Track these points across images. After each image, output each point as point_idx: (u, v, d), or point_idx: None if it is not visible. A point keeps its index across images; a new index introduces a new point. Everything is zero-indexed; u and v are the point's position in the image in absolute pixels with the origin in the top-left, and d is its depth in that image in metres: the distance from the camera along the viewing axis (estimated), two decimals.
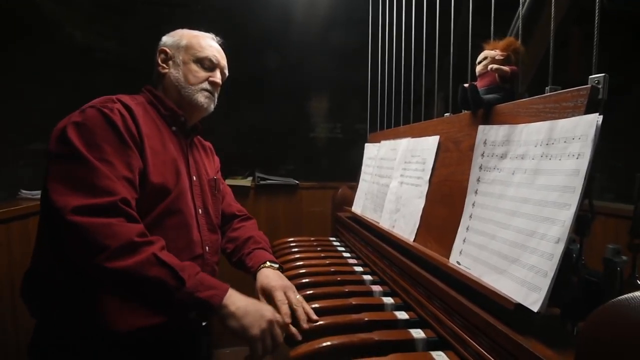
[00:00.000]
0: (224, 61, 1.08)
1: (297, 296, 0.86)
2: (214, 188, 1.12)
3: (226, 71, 1.09)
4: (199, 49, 1.03)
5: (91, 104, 0.85)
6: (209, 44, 1.05)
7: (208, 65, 1.03)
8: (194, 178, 1.04)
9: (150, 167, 0.87)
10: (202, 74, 1.02)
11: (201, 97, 1.02)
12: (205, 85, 1.03)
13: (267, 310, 0.78)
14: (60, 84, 1.90)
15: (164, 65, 1.02)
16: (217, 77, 1.05)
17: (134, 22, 2.10)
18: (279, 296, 0.85)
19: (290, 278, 1.04)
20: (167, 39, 1.05)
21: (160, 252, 0.75)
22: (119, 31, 2.09)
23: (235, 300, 0.77)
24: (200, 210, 1.03)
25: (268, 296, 0.88)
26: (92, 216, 0.72)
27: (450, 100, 1.06)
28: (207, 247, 1.02)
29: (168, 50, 1.03)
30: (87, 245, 0.71)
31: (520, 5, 0.85)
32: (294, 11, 2.22)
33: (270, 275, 0.94)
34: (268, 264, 1.00)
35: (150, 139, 0.89)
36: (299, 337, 0.75)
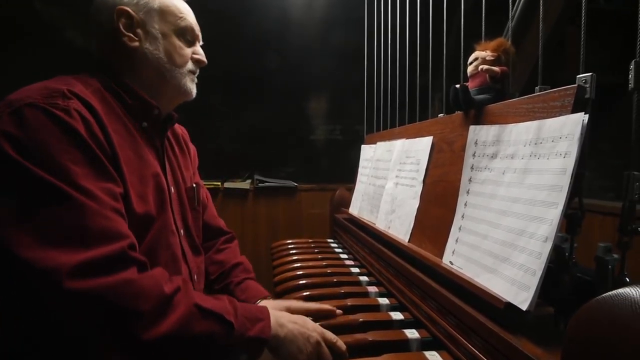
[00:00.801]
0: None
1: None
2: (193, 199, 0.90)
3: None
4: (178, 14, 0.78)
5: (26, 98, 0.58)
6: (185, 7, 0.81)
7: (190, 37, 0.81)
8: (172, 190, 0.82)
9: (131, 192, 0.66)
10: (187, 50, 0.80)
11: (189, 83, 0.81)
12: (191, 66, 0.81)
13: (312, 331, 0.69)
14: None
15: (131, 35, 0.73)
16: (201, 52, 0.83)
17: None
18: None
19: (287, 280, 1.05)
20: None
21: (197, 299, 0.61)
22: None
23: (280, 322, 0.67)
24: (182, 231, 0.83)
25: None
26: (101, 275, 0.53)
27: (444, 100, 1.07)
28: (195, 276, 0.85)
29: (132, 13, 0.73)
30: (108, 317, 0.53)
31: (510, 6, 0.85)
32: (293, 12, 2.24)
33: (275, 304, 0.80)
34: (266, 300, 0.87)
35: (123, 148, 0.67)
36: (347, 355, 0.69)
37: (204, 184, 1.07)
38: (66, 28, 2.01)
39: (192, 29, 0.81)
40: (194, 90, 0.83)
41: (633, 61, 0.52)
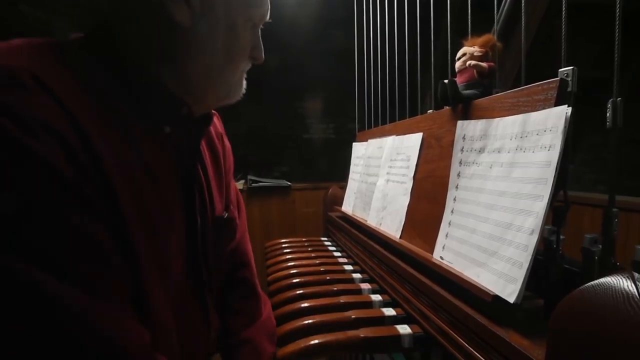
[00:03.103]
0: None
1: None
2: (221, 233, 0.66)
3: None
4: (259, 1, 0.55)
5: None
6: None
7: (256, 23, 0.57)
8: (199, 221, 0.59)
9: (134, 230, 0.44)
10: (249, 42, 0.57)
11: (240, 88, 0.60)
12: (247, 65, 0.60)
13: None
14: None
15: (183, 5, 0.48)
16: (261, 47, 0.60)
17: None
18: None
19: (281, 279, 1.05)
20: None
21: None
22: None
23: None
24: (206, 281, 0.61)
25: None
26: None
27: (433, 96, 1.07)
28: (212, 332, 0.65)
29: None
30: None
31: (496, 3, 0.85)
32: (287, 12, 2.23)
33: None
34: None
35: (126, 180, 0.44)
36: None
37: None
38: (53, 31, 1.99)
39: (263, 16, 0.57)
40: (242, 92, 0.61)
41: (610, 101, 0.52)
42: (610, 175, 0.55)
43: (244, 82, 0.61)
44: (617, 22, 0.54)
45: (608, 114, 0.53)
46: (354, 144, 1.58)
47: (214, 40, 0.51)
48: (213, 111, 0.67)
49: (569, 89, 0.54)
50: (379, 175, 1.16)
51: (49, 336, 0.35)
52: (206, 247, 0.62)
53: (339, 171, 1.89)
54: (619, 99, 0.52)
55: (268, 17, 0.59)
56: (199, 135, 0.60)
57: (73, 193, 0.38)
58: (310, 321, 0.78)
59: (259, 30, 0.59)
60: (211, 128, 0.70)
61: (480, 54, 0.83)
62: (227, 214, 0.68)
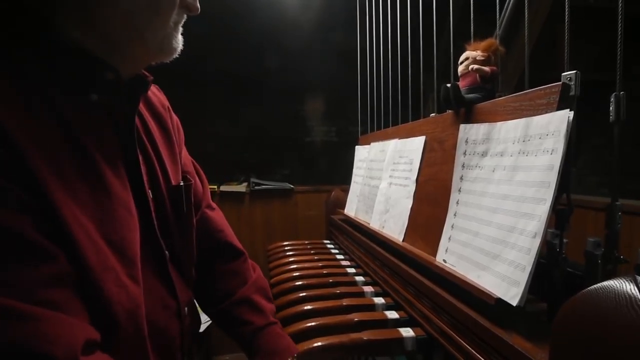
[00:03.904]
0: None
1: None
2: (180, 203, 0.62)
3: None
4: None
5: None
6: None
7: None
8: (150, 194, 0.56)
9: (66, 214, 0.41)
10: None
11: (172, 38, 0.53)
12: (181, 16, 0.54)
13: None
14: None
15: None
16: None
17: None
18: None
19: (283, 281, 1.05)
20: None
21: None
22: None
23: None
24: (167, 255, 0.58)
25: None
26: None
27: (435, 100, 1.08)
28: (185, 309, 0.62)
29: None
30: None
31: (498, 8, 0.86)
32: (289, 14, 2.24)
33: None
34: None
35: (50, 163, 0.41)
36: None
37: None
38: None
39: None
40: (178, 47, 0.55)
41: (613, 95, 0.53)
42: (613, 171, 0.55)
43: (180, 37, 0.55)
44: (620, 18, 0.54)
45: (611, 108, 0.53)
46: (356, 147, 1.58)
47: None
48: (153, 84, 0.62)
49: (572, 93, 0.55)
50: (382, 179, 1.16)
51: None
52: (166, 220, 0.59)
53: (341, 174, 1.89)
54: (622, 92, 0.53)
55: None
56: (133, 101, 0.55)
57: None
58: (313, 323, 0.79)
59: None
60: (154, 99, 0.67)
61: (482, 58, 0.83)
62: (183, 183, 0.64)
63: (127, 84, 0.53)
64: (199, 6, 0.55)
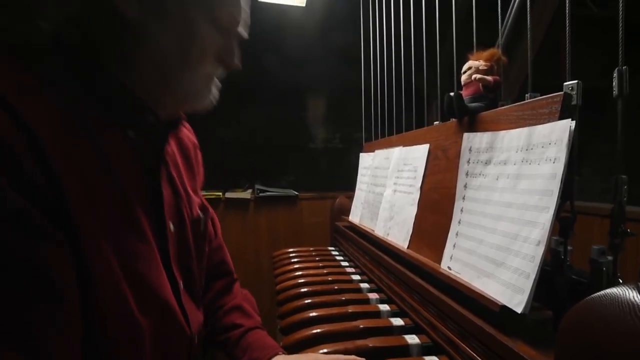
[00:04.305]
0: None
1: None
2: (201, 235, 0.66)
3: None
4: None
5: None
6: None
7: (227, 23, 0.52)
8: (171, 228, 0.57)
9: (97, 269, 0.41)
10: (214, 41, 0.52)
11: (205, 93, 0.55)
12: (214, 68, 0.55)
13: None
14: None
15: (133, 1, 0.45)
16: (235, 51, 0.55)
17: None
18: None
19: (289, 288, 1.06)
20: None
21: None
22: None
23: None
24: (181, 283, 0.58)
25: None
26: None
27: (439, 108, 1.09)
28: (196, 337, 0.62)
29: None
30: None
31: (500, 18, 0.87)
32: (295, 20, 2.27)
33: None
34: (281, 355, 0.67)
35: (84, 190, 0.41)
36: None
37: (204, 195, 0.81)
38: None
39: (233, 19, 0.53)
40: (211, 101, 0.57)
41: (616, 69, 0.54)
42: (618, 147, 0.55)
43: (214, 89, 0.57)
44: (621, 15, 0.56)
45: (614, 83, 0.54)
46: (361, 154, 1.59)
47: (164, 38, 0.48)
48: (188, 127, 0.69)
49: (573, 103, 0.56)
50: (386, 186, 1.17)
51: None
52: (183, 250, 0.60)
53: (346, 180, 1.90)
54: (624, 67, 0.54)
55: (240, 20, 0.54)
56: (163, 138, 0.57)
57: (19, 218, 0.35)
58: (318, 330, 0.79)
59: (233, 34, 0.55)
60: (183, 134, 0.69)
61: (485, 67, 0.84)
62: (202, 215, 0.66)
63: (163, 124, 0.55)
64: (239, 63, 0.56)
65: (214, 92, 0.57)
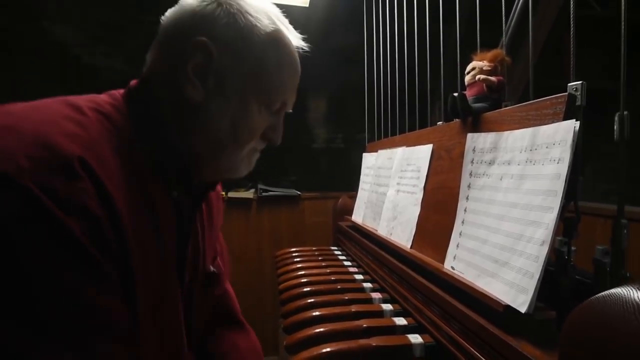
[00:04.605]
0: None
1: None
2: (207, 288, 0.68)
3: None
4: (280, 82, 0.56)
5: (5, 159, 0.36)
6: (296, 69, 0.59)
7: (277, 108, 0.58)
8: (186, 279, 0.60)
9: (140, 303, 0.46)
10: (262, 121, 0.57)
11: (245, 166, 0.60)
12: (258, 144, 0.60)
13: None
14: None
15: (197, 84, 0.51)
16: (280, 129, 0.61)
17: (138, 41, 2.17)
18: None
19: (292, 288, 1.06)
20: (220, 25, 0.51)
21: None
22: (124, 50, 2.16)
23: None
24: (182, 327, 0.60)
25: None
26: None
27: (442, 108, 1.09)
28: None
29: (214, 55, 0.51)
30: None
31: (504, 19, 0.87)
32: (297, 19, 2.28)
33: None
34: None
35: (139, 241, 0.46)
36: None
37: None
38: (73, 45, 2.06)
39: (284, 104, 0.59)
40: (246, 172, 0.61)
41: (617, 115, 0.54)
42: (619, 187, 0.56)
43: (253, 161, 0.62)
44: (623, 26, 0.56)
45: (615, 127, 0.54)
46: (364, 154, 1.60)
47: (221, 119, 0.53)
48: (219, 186, 0.72)
49: (578, 103, 0.56)
50: (389, 186, 1.17)
51: None
52: (191, 298, 0.62)
53: (348, 180, 1.90)
54: (625, 112, 0.54)
55: (291, 104, 0.61)
56: (200, 200, 0.62)
57: (94, 270, 0.40)
58: (322, 329, 0.79)
59: (282, 115, 0.61)
60: (213, 196, 0.73)
61: (489, 68, 0.84)
62: (213, 269, 0.69)
63: (200, 187, 0.60)
64: (279, 141, 0.61)
65: (253, 162, 0.62)
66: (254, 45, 0.53)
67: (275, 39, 0.55)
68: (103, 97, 0.51)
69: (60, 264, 0.37)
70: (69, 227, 0.37)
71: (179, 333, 0.56)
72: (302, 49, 0.60)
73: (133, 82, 0.55)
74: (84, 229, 0.39)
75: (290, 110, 0.62)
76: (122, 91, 0.54)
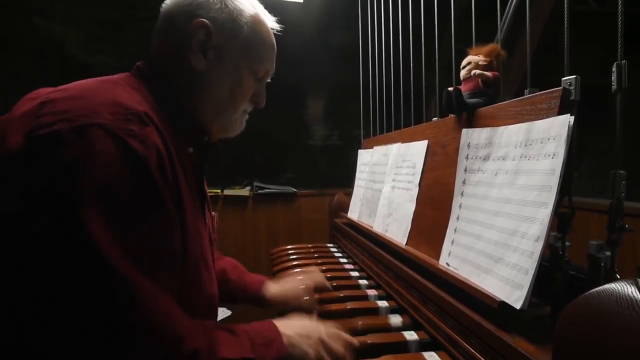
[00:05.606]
0: None
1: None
2: (212, 228, 0.81)
3: None
4: (263, 54, 0.70)
5: (93, 115, 0.47)
6: (272, 44, 0.72)
7: (261, 76, 0.72)
8: (209, 215, 0.76)
9: (188, 233, 0.59)
10: (251, 88, 0.71)
11: (238, 124, 0.74)
12: (247, 105, 0.73)
13: (314, 331, 0.66)
14: None
15: (200, 57, 0.63)
16: (264, 94, 0.75)
17: (131, 37, 2.15)
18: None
19: None
20: (214, 9, 0.63)
21: (221, 352, 0.55)
22: (118, 47, 2.14)
23: (287, 333, 0.63)
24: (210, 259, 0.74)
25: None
26: None
27: (437, 104, 1.08)
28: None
29: (213, 31, 0.63)
30: None
31: (499, 14, 0.87)
32: (293, 17, 2.26)
33: (277, 298, 0.90)
34: (268, 287, 0.91)
35: (183, 182, 0.59)
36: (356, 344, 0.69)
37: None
38: (65, 42, 2.04)
39: (267, 70, 0.72)
40: (239, 130, 0.75)
41: (615, 63, 0.53)
42: (617, 142, 0.55)
43: (244, 121, 0.75)
44: (620, 11, 0.55)
45: (613, 77, 0.54)
46: (359, 151, 1.59)
47: (221, 84, 0.66)
48: None
49: (572, 98, 0.55)
50: (385, 182, 1.17)
51: (116, 320, 0.45)
52: (213, 247, 0.76)
53: (344, 177, 1.90)
54: (623, 61, 0.54)
55: (271, 73, 0.75)
56: (206, 156, 0.73)
57: (157, 194, 0.50)
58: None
59: (264, 82, 0.74)
60: None
61: (484, 63, 0.84)
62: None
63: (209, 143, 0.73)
64: (264, 103, 0.76)
65: (243, 122, 0.75)
66: (243, 25, 0.66)
67: (257, 20, 0.68)
68: (119, 76, 0.61)
69: (145, 209, 0.49)
70: (147, 159, 0.49)
71: (212, 271, 0.70)
72: (276, 30, 0.74)
73: (139, 63, 0.65)
74: (155, 164, 0.50)
75: (269, 80, 0.76)
76: (126, 73, 0.63)
